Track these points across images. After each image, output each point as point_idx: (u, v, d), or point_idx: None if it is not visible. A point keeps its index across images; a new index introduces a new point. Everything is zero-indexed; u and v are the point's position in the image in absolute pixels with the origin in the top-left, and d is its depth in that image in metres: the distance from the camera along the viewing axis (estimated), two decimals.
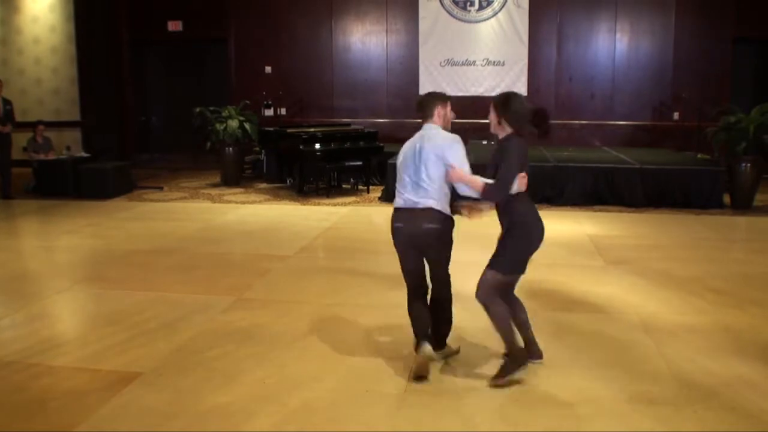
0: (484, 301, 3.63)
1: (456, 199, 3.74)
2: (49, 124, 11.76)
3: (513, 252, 3.64)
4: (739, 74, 11.89)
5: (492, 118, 3.68)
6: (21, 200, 9.71)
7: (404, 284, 3.88)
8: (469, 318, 4.47)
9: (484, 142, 10.36)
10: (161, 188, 10.63)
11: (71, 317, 4.97)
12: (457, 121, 4.04)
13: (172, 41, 13.37)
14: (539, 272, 5.84)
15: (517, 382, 3.59)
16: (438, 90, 4.47)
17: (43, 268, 6.29)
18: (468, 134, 9.42)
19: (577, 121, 12.15)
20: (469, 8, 12.18)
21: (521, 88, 11.96)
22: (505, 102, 3.63)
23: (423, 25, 12.37)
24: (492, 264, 3.65)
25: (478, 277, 3.66)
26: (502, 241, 3.68)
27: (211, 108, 11.06)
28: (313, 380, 3.68)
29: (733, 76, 11.72)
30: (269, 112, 12.52)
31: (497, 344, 3.85)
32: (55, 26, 13.08)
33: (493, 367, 3.78)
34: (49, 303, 5.15)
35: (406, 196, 3.72)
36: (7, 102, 9.87)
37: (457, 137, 3.73)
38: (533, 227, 3.66)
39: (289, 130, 10.58)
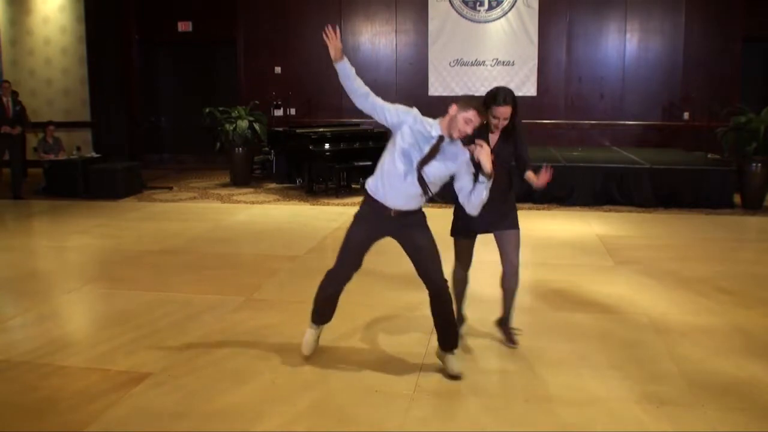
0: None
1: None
2: (60, 125, 11.82)
3: None
4: (749, 74, 11.82)
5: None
6: (31, 200, 9.78)
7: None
8: (477, 317, 4.48)
9: None
10: (171, 188, 10.67)
11: (81, 317, 5.00)
12: None
13: (181, 42, 13.43)
14: (548, 272, 5.86)
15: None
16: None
17: (53, 268, 6.32)
18: None
19: (586, 121, 12.10)
20: (478, 8, 12.15)
21: (531, 88, 11.95)
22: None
23: (432, 25, 12.34)
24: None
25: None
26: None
27: (221, 108, 11.10)
28: (322, 381, 3.68)
29: (743, 76, 11.64)
30: (279, 113, 12.54)
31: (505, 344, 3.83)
32: (65, 27, 13.16)
33: (501, 368, 3.78)
34: (59, 303, 5.18)
35: None
36: (16, 103, 9.93)
37: None
38: None
39: (298, 131, 10.60)
